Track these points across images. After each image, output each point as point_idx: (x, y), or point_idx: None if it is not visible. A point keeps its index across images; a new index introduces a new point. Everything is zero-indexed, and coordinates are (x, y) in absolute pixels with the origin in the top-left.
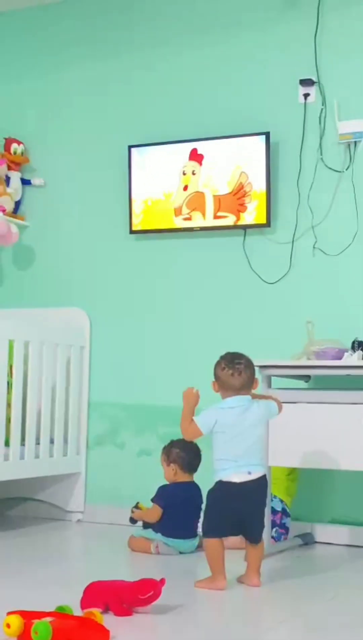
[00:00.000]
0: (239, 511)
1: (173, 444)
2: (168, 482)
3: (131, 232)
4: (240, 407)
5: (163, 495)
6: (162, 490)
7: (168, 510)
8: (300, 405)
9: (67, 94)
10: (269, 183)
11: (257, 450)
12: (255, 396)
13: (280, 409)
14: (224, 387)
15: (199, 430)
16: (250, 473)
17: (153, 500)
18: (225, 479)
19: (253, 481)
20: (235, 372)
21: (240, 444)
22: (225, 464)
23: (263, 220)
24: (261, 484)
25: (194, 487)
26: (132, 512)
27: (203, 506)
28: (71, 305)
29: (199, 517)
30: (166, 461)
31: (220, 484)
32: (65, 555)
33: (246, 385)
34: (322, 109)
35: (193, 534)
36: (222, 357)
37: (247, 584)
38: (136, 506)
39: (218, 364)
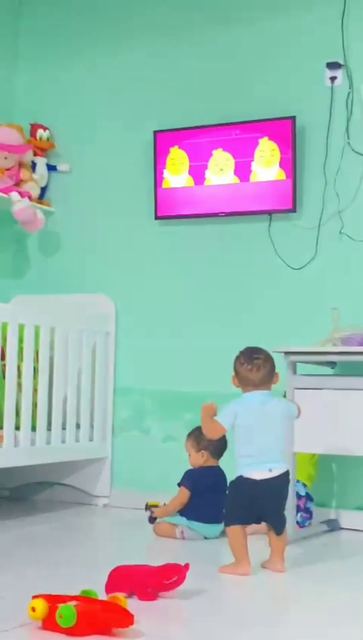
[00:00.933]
0: (259, 506)
1: (202, 431)
2: (193, 468)
3: (156, 218)
4: (259, 402)
5: (191, 479)
6: (189, 474)
7: (194, 494)
8: (325, 391)
9: (93, 79)
10: (295, 168)
11: (278, 446)
12: None
13: (299, 413)
14: (243, 382)
15: (221, 426)
16: (270, 470)
17: (180, 484)
18: (245, 474)
19: (274, 478)
20: (254, 367)
21: (260, 440)
22: (246, 460)
23: (289, 206)
24: (282, 480)
25: (220, 472)
26: (152, 511)
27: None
28: (96, 292)
29: (222, 500)
30: (196, 447)
31: (241, 479)
32: (90, 540)
33: (266, 380)
34: (348, 93)
35: (219, 519)
36: (241, 352)
37: (271, 569)
38: (147, 506)
39: (237, 359)
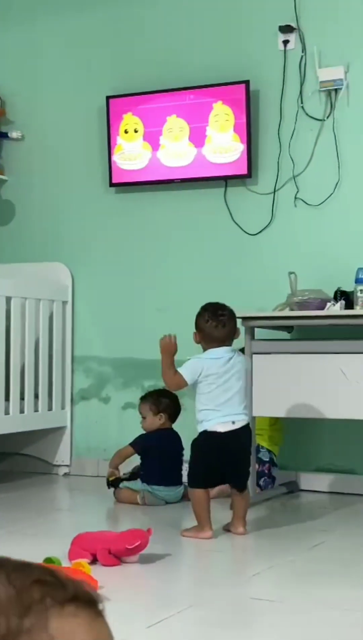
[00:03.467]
0: (224, 460)
1: (161, 394)
2: (147, 431)
3: (111, 185)
4: (224, 357)
5: (141, 440)
6: (141, 436)
7: (152, 458)
8: (283, 355)
9: (42, 46)
10: (249, 133)
11: (240, 400)
12: None
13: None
14: (207, 338)
15: (184, 380)
16: (234, 422)
17: (130, 444)
18: (210, 428)
19: (237, 430)
20: (219, 323)
21: (223, 394)
22: (209, 414)
23: (244, 171)
24: (245, 432)
25: (175, 434)
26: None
27: (185, 454)
28: (52, 260)
29: (182, 463)
30: (154, 410)
31: (205, 434)
32: (52, 508)
33: (230, 336)
34: (302, 56)
35: (178, 482)
36: (204, 309)
37: (233, 532)
38: (108, 482)
39: (200, 315)
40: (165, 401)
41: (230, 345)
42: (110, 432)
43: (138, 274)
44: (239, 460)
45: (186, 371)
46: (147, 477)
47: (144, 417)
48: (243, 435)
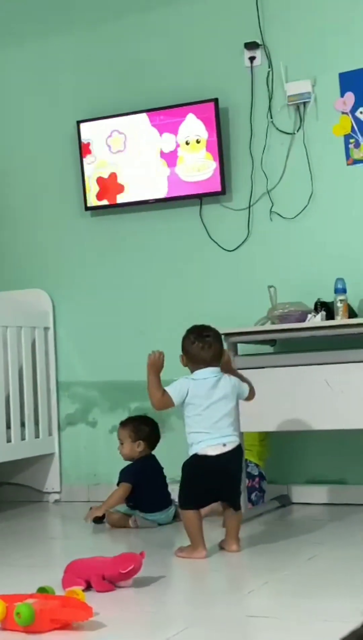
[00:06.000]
0: (216, 483)
1: (141, 421)
2: (125, 457)
3: (87, 208)
4: (211, 379)
5: (131, 474)
6: (128, 471)
7: (140, 487)
8: (267, 370)
9: (9, 71)
10: (221, 149)
11: (229, 422)
12: (234, 373)
13: (252, 394)
14: (194, 360)
15: (171, 400)
16: (224, 445)
17: (119, 482)
18: (200, 452)
19: (228, 452)
20: (205, 344)
21: (212, 416)
22: (199, 437)
23: (218, 188)
24: (237, 454)
25: (154, 459)
26: (96, 517)
27: (170, 475)
28: (32, 287)
29: (167, 485)
30: (133, 437)
31: (195, 458)
32: (44, 536)
33: (217, 358)
34: (268, 72)
35: (168, 504)
36: (190, 332)
37: (227, 550)
38: (94, 518)
39: (186, 338)
40: (144, 429)
41: (216, 366)
42: (99, 456)
43: (118, 296)
44: (231, 483)
45: (173, 391)
46: (136, 506)
47: (122, 443)
48: (234, 457)
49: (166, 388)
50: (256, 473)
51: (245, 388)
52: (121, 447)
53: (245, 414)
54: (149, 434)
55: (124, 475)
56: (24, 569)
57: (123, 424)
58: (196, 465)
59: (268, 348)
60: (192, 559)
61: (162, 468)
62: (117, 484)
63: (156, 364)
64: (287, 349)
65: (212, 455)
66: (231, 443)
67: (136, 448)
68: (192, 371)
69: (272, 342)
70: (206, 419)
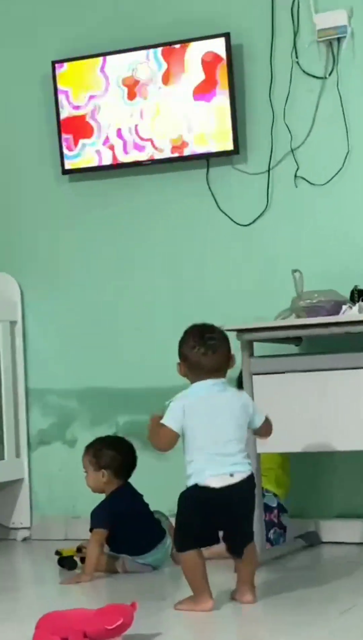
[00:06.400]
0: (220, 522)
1: (105, 444)
2: (92, 489)
3: (64, 172)
4: (212, 391)
5: (102, 517)
6: (98, 512)
7: (119, 529)
8: (290, 375)
9: None
10: (233, 98)
11: (239, 447)
12: None
13: (268, 427)
14: (194, 369)
15: (170, 430)
16: (232, 475)
17: (92, 528)
18: (202, 483)
19: (236, 484)
20: (208, 349)
21: (216, 438)
22: (200, 465)
23: (229, 147)
24: (247, 487)
25: (132, 491)
26: (67, 563)
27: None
28: None
29: (152, 514)
30: (95, 465)
31: (195, 490)
32: (11, 584)
33: (222, 366)
34: (293, 0)
35: (159, 537)
36: (189, 333)
37: (239, 600)
38: (61, 558)
39: (184, 341)
40: (108, 454)
41: (222, 376)
42: (79, 482)
43: (104, 283)
44: (239, 522)
45: (169, 419)
46: (125, 549)
47: (86, 472)
48: (243, 490)
49: (161, 421)
50: (275, 505)
51: (259, 414)
52: (87, 478)
53: None
54: (113, 458)
55: (95, 519)
56: None
57: (86, 448)
58: (196, 498)
59: (291, 348)
60: (195, 612)
61: (141, 496)
62: (90, 530)
63: (158, 421)
64: (315, 349)
65: (215, 487)
66: (240, 473)
67: (101, 478)
68: (192, 382)
69: (297, 341)
70: (209, 443)
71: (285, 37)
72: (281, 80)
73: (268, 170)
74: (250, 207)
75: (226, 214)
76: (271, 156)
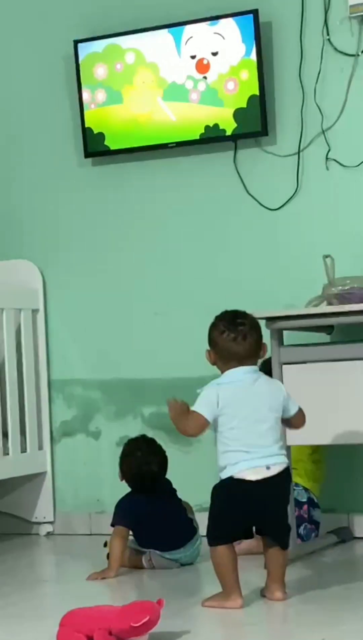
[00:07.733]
0: (256, 516)
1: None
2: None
3: (87, 155)
4: (246, 380)
5: (122, 514)
6: (120, 505)
7: (143, 525)
8: (322, 364)
9: None
10: (262, 77)
11: (275, 437)
12: None
13: (302, 417)
14: (224, 356)
15: (203, 418)
16: (268, 468)
17: (113, 524)
18: (237, 475)
19: (274, 477)
20: (239, 335)
21: (251, 430)
22: (236, 457)
23: (257, 127)
24: (284, 479)
25: (160, 490)
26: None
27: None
28: (14, 257)
29: (184, 510)
30: (120, 476)
31: (230, 482)
32: (34, 580)
33: (253, 353)
34: None
35: (190, 535)
36: (219, 318)
37: (269, 598)
38: (106, 544)
39: (214, 326)
40: (123, 451)
41: (254, 364)
42: (103, 476)
43: (129, 271)
44: (276, 515)
45: (201, 407)
46: (153, 544)
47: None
48: (281, 483)
49: (192, 408)
50: (305, 499)
51: (294, 403)
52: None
53: None
54: (129, 466)
55: (116, 515)
56: (9, 620)
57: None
58: (231, 491)
59: (323, 337)
60: (224, 609)
61: (171, 494)
62: (111, 525)
63: (177, 407)
64: (348, 337)
65: (251, 480)
66: (277, 465)
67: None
68: (222, 371)
69: (329, 329)
70: (245, 433)
71: (316, 13)
72: (312, 59)
73: (298, 152)
74: (279, 190)
75: (254, 198)
76: (301, 137)
